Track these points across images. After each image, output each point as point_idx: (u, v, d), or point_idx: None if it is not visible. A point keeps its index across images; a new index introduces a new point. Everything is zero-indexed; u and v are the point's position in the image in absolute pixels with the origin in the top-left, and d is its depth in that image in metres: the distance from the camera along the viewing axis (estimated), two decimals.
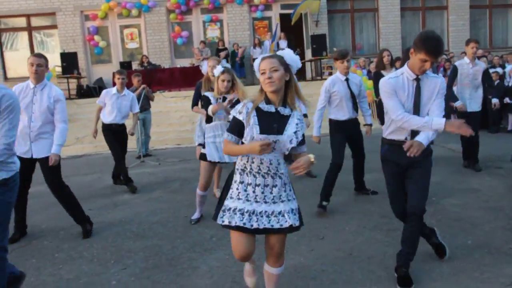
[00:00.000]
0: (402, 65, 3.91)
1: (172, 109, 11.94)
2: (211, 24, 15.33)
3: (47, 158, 4.29)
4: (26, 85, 4.34)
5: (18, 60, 15.23)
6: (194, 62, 13.87)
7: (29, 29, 14.96)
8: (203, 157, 4.65)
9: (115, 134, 6.37)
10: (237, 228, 2.46)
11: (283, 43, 14.92)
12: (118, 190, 6.39)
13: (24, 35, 15.09)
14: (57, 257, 3.97)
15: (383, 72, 6.19)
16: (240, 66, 14.45)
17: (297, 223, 2.50)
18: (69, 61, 12.91)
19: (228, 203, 2.52)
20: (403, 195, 3.30)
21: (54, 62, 14.80)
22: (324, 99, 4.91)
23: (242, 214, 2.46)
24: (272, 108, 2.48)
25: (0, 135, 2.73)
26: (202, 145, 4.81)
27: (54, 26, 14.87)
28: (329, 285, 3.20)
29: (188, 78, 13.07)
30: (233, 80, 4.44)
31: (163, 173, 7.45)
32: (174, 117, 11.69)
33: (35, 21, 14.99)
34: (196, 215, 4.80)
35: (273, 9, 15.50)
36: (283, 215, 2.47)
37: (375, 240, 3.96)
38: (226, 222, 2.47)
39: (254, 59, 14.85)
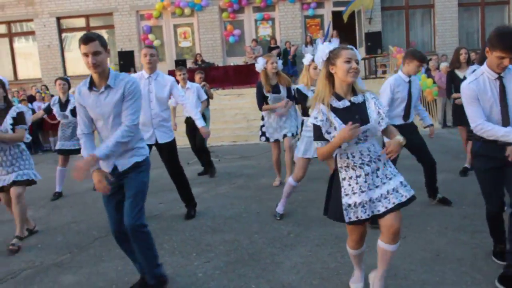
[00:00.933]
0: (480, 64, 3.74)
1: (227, 106, 12.03)
2: (263, 23, 15.35)
3: (169, 143, 4.69)
4: (140, 75, 4.57)
5: (78, 59, 15.81)
6: (247, 60, 13.92)
7: (88, 29, 15.49)
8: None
9: (191, 126, 6.69)
10: (365, 221, 2.58)
11: (335, 41, 14.74)
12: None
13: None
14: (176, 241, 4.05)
15: (457, 71, 5.96)
16: (292, 64, 14.39)
17: (412, 192, 2.59)
18: (126, 59, 13.27)
19: (346, 200, 2.59)
20: (500, 191, 3.16)
21: (112, 60, 15.32)
22: (388, 100, 4.43)
23: (363, 206, 2.55)
24: (346, 103, 2.56)
25: (123, 119, 2.92)
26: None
27: (111, 26, 15.33)
28: (421, 285, 3.09)
29: (242, 76, 13.16)
30: None
31: (224, 169, 7.50)
32: (228, 115, 11.78)
33: (93, 22, 15.50)
34: (281, 208, 4.67)
35: (325, 6, 15.34)
36: (397, 191, 2.55)
37: (460, 242, 3.80)
38: (353, 218, 2.57)
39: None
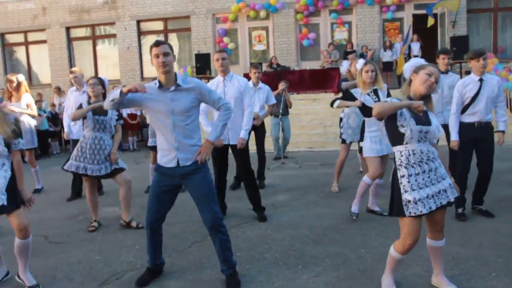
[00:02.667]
0: None
1: (302, 111, 11.79)
2: (339, 26, 14.97)
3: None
4: (217, 80, 4.85)
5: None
6: (324, 64, 13.61)
7: (166, 32, 15.89)
8: (361, 150, 4.86)
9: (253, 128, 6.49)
10: (420, 216, 2.79)
11: (415, 46, 14.09)
12: (270, 191, 6.32)
13: (160, 38, 16.05)
14: (239, 256, 3.89)
15: None
16: None
17: (456, 195, 2.88)
18: (202, 62, 13.41)
19: (405, 197, 2.80)
20: None
21: (188, 62, 15.61)
22: (457, 101, 4.60)
23: (423, 201, 2.77)
24: None
25: (215, 106, 3.32)
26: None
27: (187, 29, 15.61)
28: None
29: (317, 80, 12.88)
30: (376, 71, 4.70)
31: (308, 176, 7.26)
32: (304, 120, 11.53)
33: (170, 25, 15.87)
34: (356, 208, 4.76)
35: (405, 9, 14.70)
36: (445, 191, 2.83)
37: None
38: (413, 213, 2.77)
39: (383, 63, 14.32)
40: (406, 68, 3.04)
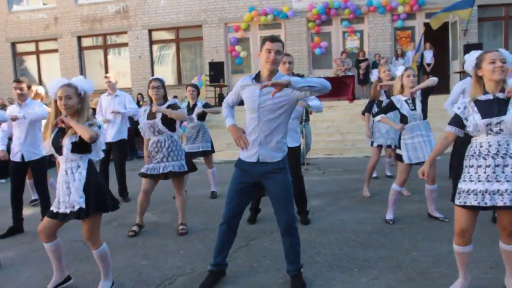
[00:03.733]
0: None
1: (318, 118, 11.76)
2: (351, 35, 15.03)
3: (296, 146, 4.97)
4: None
5: (165, 71, 16.31)
6: (338, 72, 13.63)
7: (177, 41, 15.94)
8: (398, 157, 4.82)
9: None
10: (471, 207, 2.80)
11: (428, 54, 14.14)
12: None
13: (172, 46, 16.11)
14: None
15: None
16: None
17: None
18: (216, 70, 13.43)
19: (461, 185, 2.86)
20: None
21: (199, 71, 15.65)
22: None
23: (476, 194, 2.77)
24: (489, 96, 2.83)
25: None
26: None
27: (199, 38, 15.66)
28: None
29: (332, 88, 12.62)
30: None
31: (335, 182, 7.22)
32: (321, 127, 11.52)
33: (182, 34, 15.92)
34: (391, 216, 4.83)
35: (417, 18, 14.78)
36: (509, 193, 2.68)
37: None
38: (457, 202, 2.86)
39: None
40: (468, 68, 3.02)
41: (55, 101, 3.22)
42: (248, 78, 3.20)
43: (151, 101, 4.70)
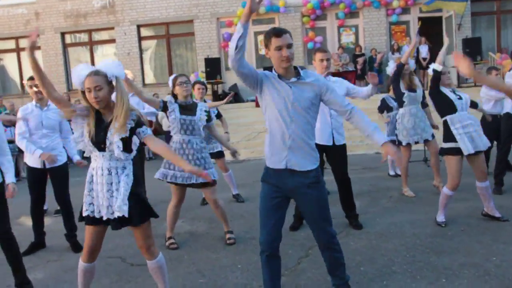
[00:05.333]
0: None
1: None
2: (346, 29, 14.85)
3: (342, 145, 4.73)
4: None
5: (155, 68, 15.76)
6: (339, 68, 13.41)
7: (167, 36, 15.39)
8: (449, 151, 4.39)
9: None
10: None
11: (424, 48, 14.11)
12: (335, 197, 5.98)
13: (162, 42, 15.56)
14: (363, 270, 3.56)
15: None
16: (378, 72, 13.79)
17: None
18: (212, 67, 13.01)
19: None
20: None
21: (191, 68, 15.17)
22: None
23: None
24: None
25: (340, 108, 2.83)
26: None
27: (191, 33, 15.16)
28: None
29: None
30: None
31: (362, 181, 6.96)
32: None
33: (173, 29, 15.39)
34: (442, 217, 4.58)
35: (411, 12, 14.71)
36: None
37: None
38: None
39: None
40: None
41: (83, 92, 2.77)
42: (270, 73, 2.79)
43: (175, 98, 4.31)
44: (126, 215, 2.73)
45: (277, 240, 2.82)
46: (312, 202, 2.77)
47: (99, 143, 2.76)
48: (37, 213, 4.70)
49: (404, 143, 5.92)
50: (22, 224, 5.71)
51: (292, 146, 2.72)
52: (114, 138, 2.72)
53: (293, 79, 2.70)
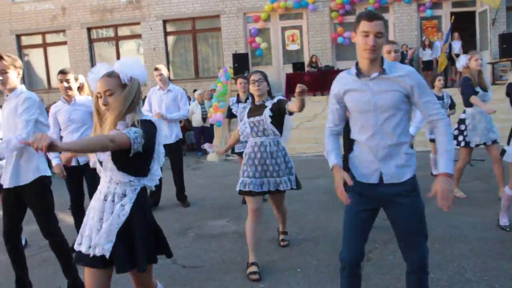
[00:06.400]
0: None
1: None
2: None
3: None
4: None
5: (181, 62, 15.66)
6: None
7: (194, 31, 15.26)
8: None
9: None
10: None
11: (457, 44, 13.73)
12: None
13: (188, 38, 15.44)
14: (434, 277, 3.34)
15: None
16: None
17: None
18: (240, 62, 12.83)
19: None
20: None
21: (217, 64, 15.03)
22: None
23: None
24: None
25: (428, 111, 2.41)
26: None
27: (217, 29, 15.01)
28: None
29: None
30: None
31: None
32: None
33: (199, 24, 15.24)
34: (506, 221, 4.32)
35: (443, 7, 14.32)
36: None
37: None
38: None
39: (423, 62, 13.91)
40: None
41: (97, 97, 2.29)
42: (347, 76, 2.42)
43: (253, 97, 3.89)
44: (107, 255, 2.17)
45: (361, 258, 2.51)
46: (408, 213, 2.37)
47: (100, 162, 2.28)
48: (79, 214, 4.43)
49: (472, 144, 5.50)
50: (61, 221, 5.61)
51: (386, 157, 2.35)
52: (103, 155, 2.22)
53: (374, 74, 2.31)
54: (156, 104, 5.96)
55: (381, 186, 2.38)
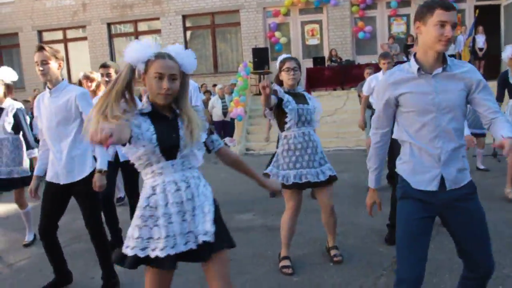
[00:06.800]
0: None
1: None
2: (397, 19, 14.32)
3: None
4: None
5: (201, 58, 15.65)
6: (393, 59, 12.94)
7: (213, 26, 15.26)
8: None
9: None
10: None
11: (481, 38, 13.45)
12: None
13: (207, 33, 15.44)
14: None
15: None
16: None
17: None
18: (260, 57, 12.79)
19: None
20: None
21: (236, 58, 15.01)
22: None
23: None
24: None
25: (487, 111, 2.23)
26: None
27: (236, 24, 14.98)
28: None
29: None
30: None
31: None
32: None
33: (218, 19, 15.23)
34: None
35: (467, 1, 14.05)
36: None
37: None
38: None
39: (447, 56, 13.64)
40: None
41: (131, 68, 2.02)
42: (400, 73, 2.20)
43: (280, 84, 3.63)
44: (212, 239, 2.02)
45: (423, 277, 2.18)
46: (472, 217, 2.19)
47: (172, 147, 2.05)
48: (109, 210, 4.36)
49: None
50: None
51: (447, 161, 2.17)
52: (192, 140, 2.07)
53: (437, 71, 2.13)
54: None
55: (441, 192, 2.19)
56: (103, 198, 4.44)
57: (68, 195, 3.31)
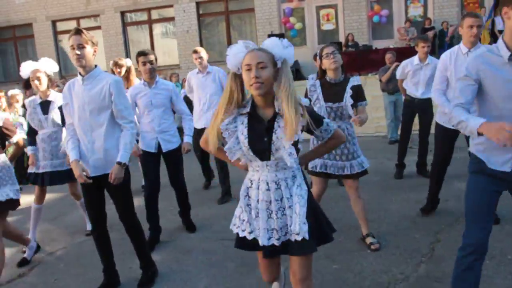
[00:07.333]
0: None
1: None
2: (414, 1, 14.07)
3: None
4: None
5: (214, 44, 15.58)
6: (410, 43, 12.76)
7: (227, 13, 15.14)
8: None
9: (416, 109, 5.87)
10: None
11: (500, 20, 13.16)
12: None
13: (221, 19, 15.33)
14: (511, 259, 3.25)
15: None
16: (449, 46, 13.03)
17: None
18: None
19: None
20: None
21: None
22: None
23: None
24: None
25: None
26: None
27: (251, 10, 14.83)
28: None
29: (402, 59, 12.05)
30: None
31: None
32: None
33: (232, 5, 15.10)
34: None
35: None
36: None
37: None
38: None
39: None
40: None
41: (234, 74, 2.12)
42: (490, 55, 2.23)
43: (323, 74, 3.59)
44: (307, 237, 2.09)
45: (487, 245, 2.33)
46: None
47: (263, 150, 2.11)
48: (152, 203, 4.25)
49: None
50: None
51: None
52: (285, 143, 2.07)
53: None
54: (197, 88, 5.51)
55: None
56: (145, 190, 4.35)
57: (100, 186, 3.24)
